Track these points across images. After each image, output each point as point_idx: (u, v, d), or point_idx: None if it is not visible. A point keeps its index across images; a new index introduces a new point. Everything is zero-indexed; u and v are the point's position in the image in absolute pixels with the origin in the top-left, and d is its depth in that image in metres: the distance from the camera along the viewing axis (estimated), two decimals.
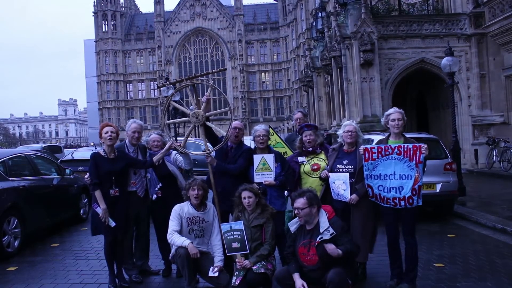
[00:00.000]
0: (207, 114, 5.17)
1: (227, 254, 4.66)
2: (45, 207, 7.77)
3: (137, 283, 5.19)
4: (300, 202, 4.18)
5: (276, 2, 68.78)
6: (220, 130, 5.68)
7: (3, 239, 6.41)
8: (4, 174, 6.90)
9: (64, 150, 25.65)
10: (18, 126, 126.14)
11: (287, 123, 59.27)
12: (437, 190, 7.97)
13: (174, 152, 5.62)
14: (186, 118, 5.25)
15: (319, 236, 4.10)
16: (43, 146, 24.72)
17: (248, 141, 6.40)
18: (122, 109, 69.23)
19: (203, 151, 5.36)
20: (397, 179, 4.54)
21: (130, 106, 69.97)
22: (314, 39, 25.74)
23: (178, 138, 13.37)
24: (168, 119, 7.10)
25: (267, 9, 70.29)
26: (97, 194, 4.85)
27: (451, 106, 11.14)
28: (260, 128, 5.26)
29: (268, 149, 5.26)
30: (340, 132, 5.01)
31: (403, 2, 18.26)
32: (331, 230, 4.06)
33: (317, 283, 4.11)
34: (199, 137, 18.73)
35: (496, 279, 4.99)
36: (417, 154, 4.47)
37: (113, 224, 4.86)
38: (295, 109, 43.99)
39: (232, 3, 69.67)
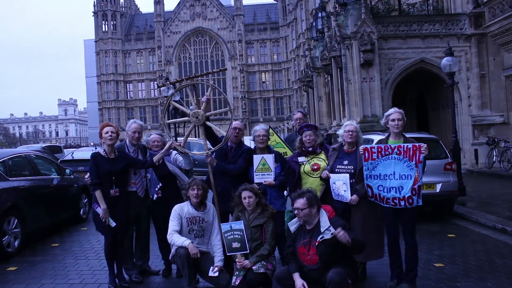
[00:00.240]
0: (207, 114, 5.17)
1: (227, 254, 4.66)
2: (45, 207, 7.77)
3: (137, 283, 5.19)
4: (300, 202, 4.17)
5: (276, 2, 68.79)
6: (220, 130, 5.68)
7: (3, 239, 6.41)
8: (4, 174, 6.90)
9: (64, 150, 25.66)
10: (18, 126, 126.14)
11: (287, 123, 59.26)
12: (437, 190, 7.97)
13: (174, 152, 5.62)
14: (186, 118, 5.25)
15: (320, 236, 4.10)
16: (43, 146, 24.73)
17: (248, 141, 6.40)
18: (122, 109, 69.23)
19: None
20: (397, 179, 4.54)
21: (130, 106, 69.97)
22: (314, 39, 25.74)
23: (178, 138, 13.36)
24: (168, 119, 7.09)
25: (267, 9, 70.29)
26: (98, 194, 4.85)
27: (451, 106, 11.14)
28: (259, 128, 5.26)
29: (268, 149, 5.26)
30: (340, 131, 5.01)
31: (403, 2, 18.26)
32: (332, 230, 4.06)
33: (317, 283, 4.11)
34: (199, 137, 18.71)
35: (496, 279, 4.99)
36: (417, 154, 4.47)
37: (113, 224, 4.86)
38: (295, 109, 43.96)
39: (232, 3, 69.68)
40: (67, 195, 8.75)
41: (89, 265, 5.98)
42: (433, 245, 6.49)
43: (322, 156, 5.15)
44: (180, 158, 5.57)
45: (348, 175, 4.75)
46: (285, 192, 5.34)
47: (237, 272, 4.52)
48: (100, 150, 5.15)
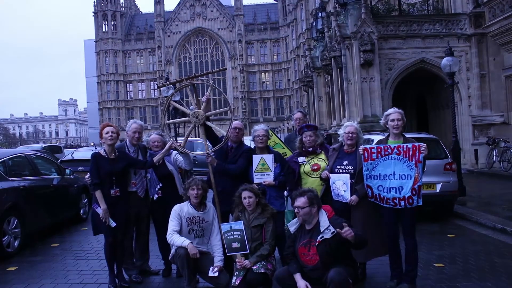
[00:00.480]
0: (207, 114, 5.18)
1: (227, 254, 4.66)
2: (45, 207, 7.77)
3: (137, 283, 5.19)
4: (301, 201, 4.17)
5: (276, 2, 68.77)
6: (220, 130, 5.68)
7: (3, 239, 6.41)
8: (4, 174, 6.90)
9: (64, 150, 25.63)
10: (18, 126, 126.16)
11: (287, 123, 59.25)
12: (437, 190, 7.97)
13: (174, 152, 5.62)
14: (186, 118, 5.25)
15: (320, 235, 4.09)
16: (43, 146, 24.71)
17: (248, 141, 6.40)
18: (122, 109, 69.22)
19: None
20: (396, 179, 4.53)
21: (130, 106, 69.96)
22: (314, 39, 25.72)
23: (178, 138, 13.35)
24: (168, 119, 7.10)
25: (267, 9, 70.28)
26: (98, 194, 4.85)
27: (451, 106, 11.14)
28: (259, 128, 5.27)
29: (267, 149, 5.26)
30: (341, 131, 5.01)
31: (403, 2, 18.26)
32: (332, 229, 4.05)
33: (318, 283, 4.10)
34: (199, 137, 18.68)
35: (496, 279, 4.99)
36: (417, 154, 4.47)
37: (113, 224, 4.86)
38: (295, 109, 43.86)
39: (232, 3, 69.66)
40: (67, 195, 8.75)
41: (89, 265, 5.98)
42: (433, 245, 6.49)
43: (322, 156, 5.14)
44: (180, 158, 5.57)
45: (348, 175, 4.75)
46: (285, 192, 5.34)
47: (237, 272, 4.52)
48: (100, 150, 5.15)
